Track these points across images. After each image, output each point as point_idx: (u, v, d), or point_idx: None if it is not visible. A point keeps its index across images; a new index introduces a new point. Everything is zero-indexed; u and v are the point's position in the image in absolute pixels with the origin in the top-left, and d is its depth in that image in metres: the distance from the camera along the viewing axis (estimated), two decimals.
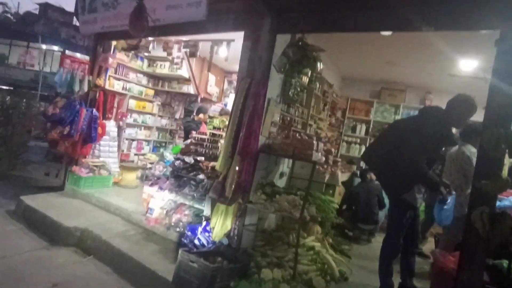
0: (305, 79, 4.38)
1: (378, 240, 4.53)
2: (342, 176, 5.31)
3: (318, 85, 5.37)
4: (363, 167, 5.93)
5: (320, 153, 3.35)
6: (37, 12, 22.25)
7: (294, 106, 4.71)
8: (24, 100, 7.57)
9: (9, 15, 22.37)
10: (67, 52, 14.63)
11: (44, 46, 17.02)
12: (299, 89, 4.12)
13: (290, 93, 3.81)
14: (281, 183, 4.12)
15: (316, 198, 3.63)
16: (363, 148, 7.11)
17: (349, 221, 4.62)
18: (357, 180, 5.62)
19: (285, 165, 4.28)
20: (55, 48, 17.12)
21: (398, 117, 6.94)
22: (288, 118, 4.62)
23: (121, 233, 3.68)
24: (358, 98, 7.49)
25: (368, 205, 4.51)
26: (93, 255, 3.43)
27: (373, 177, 4.52)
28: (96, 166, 4.95)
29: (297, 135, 3.47)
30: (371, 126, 7.34)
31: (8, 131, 6.60)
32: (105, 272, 3.16)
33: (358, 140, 7.40)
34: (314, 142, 3.14)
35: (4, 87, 14.91)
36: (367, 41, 4.71)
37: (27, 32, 18.65)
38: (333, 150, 3.93)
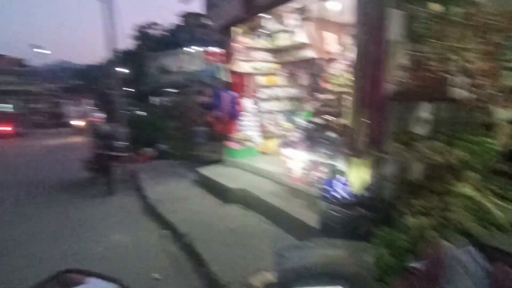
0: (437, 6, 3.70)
1: None
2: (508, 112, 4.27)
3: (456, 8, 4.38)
4: None
5: (463, 90, 2.88)
6: (180, 21, 27.06)
7: (425, 41, 4.07)
8: (187, 98, 9.65)
9: (160, 31, 28.01)
10: (207, 49, 17.14)
11: (188, 49, 20.61)
12: (428, 21, 3.55)
13: (415, 28, 3.37)
14: (421, 130, 3.76)
15: (465, 141, 3.16)
16: None
17: None
18: None
19: (425, 109, 3.86)
20: (196, 48, 20.44)
21: None
22: (419, 57, 4.05)
23: (272, 191, 4.37)
24: None
25: None
26: (254, 210, 4.26)
27: None
28: (243, 139, 5.90)
29: (430, 73, 3.08)
30: None
31: (182, 123, 8.65)
32: (264, 222, 3.91)
33: None
34: (452, 76, 2.73)
35: (174, 90, 19.14)
36: None
37: (175, 40, 22.96)
38: (486, 82, 3.23)
